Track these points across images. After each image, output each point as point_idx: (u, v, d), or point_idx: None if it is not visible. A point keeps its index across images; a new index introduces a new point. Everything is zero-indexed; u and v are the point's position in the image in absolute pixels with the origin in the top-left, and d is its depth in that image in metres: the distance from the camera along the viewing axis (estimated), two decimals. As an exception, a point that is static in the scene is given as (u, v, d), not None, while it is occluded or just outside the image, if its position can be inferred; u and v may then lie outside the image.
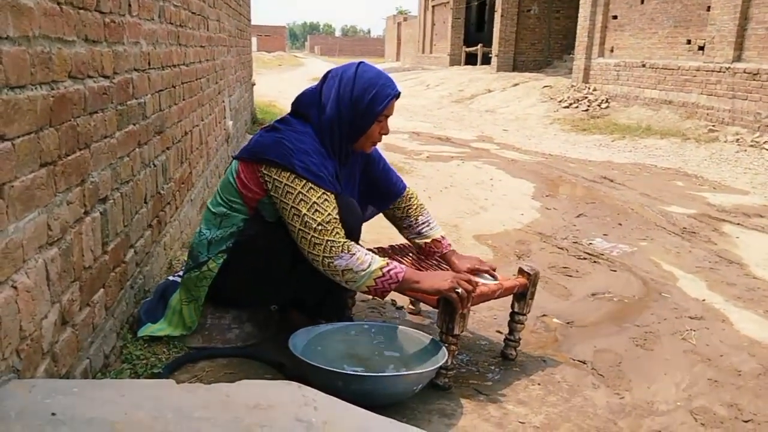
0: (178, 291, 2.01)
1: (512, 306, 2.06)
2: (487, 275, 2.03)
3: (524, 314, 2.05)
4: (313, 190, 1.76)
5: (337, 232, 1.76)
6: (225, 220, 1.91)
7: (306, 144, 1.81)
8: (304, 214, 1.74)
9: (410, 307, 2.44)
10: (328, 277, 1.78)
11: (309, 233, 1.74)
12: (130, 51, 1.93)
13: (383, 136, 1.97)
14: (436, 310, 1.86)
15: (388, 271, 1.77)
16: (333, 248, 1.74)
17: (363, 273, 1.75)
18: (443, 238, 2.17)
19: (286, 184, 1.76)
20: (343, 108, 1.86)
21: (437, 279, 1.81)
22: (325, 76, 1.94)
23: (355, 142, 1.93)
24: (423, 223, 2.17)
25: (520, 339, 2.09)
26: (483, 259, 3.15)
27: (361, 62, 1.95)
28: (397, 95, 1.93)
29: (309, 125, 1.87)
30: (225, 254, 1.90)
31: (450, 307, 1.78)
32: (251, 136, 1.98)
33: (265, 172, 1.79)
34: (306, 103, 1.91)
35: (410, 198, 2.20)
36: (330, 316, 2.07)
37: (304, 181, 1.75)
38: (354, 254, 1.75)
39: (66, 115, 1.39)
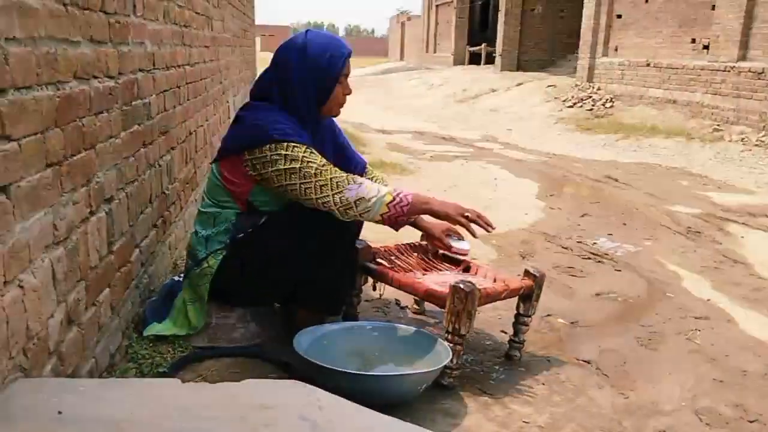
0: (182, 291, 2.01)
1: (517, 307, 2.06)
2: (461, 241, 2.09)
3: (529, 316, 2.05)
4: (297, 147, 1.80)
5: (336, 170, 1.82)
6: (218, 217, 1.93)
7: (276, 116, 1.86)
8: (299, 168, 1.78)
9: (414, 307, 2.44)
10: (345, 217, 1.82)
11: (311, 180, 1.79)
12: (135, 51, 1.94)
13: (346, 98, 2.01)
14: (442, 311, 1.86)
15: (398, 194, 1.84)
16: (339, 183, 1.79)
17: (375, 199, 1.80)
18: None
19: (271, 155, 1.80)
20: (304, 75, 1.89)
21: (447, 203, 1.90)
22: (276, 53, 1.97)
23: (323, 107, 1.96)
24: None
25: (524, 340, 2.09)
26: (487, 258, 3.16)
27: (307, 30, 2.00)
28: (350, 53, 1.98)
29: (273, 105, 1.90)
30: (223, 251, 1.91)
31: (456, 307, 1.78)
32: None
33: (248, 157, 1.83)
34: (264, 86, 1.95)
35: (372, 171, 2.26)
36: (334, 311, 2.07)
37: (286, 143, 1.80)
38: (361, 183, 1.82)
39: (71, 116, 1.39)
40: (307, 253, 1.86)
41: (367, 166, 2.27)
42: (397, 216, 1.84)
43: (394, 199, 1.82)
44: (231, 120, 2.14)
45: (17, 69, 1.13)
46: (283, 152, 1.79)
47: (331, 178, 1.79)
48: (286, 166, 1.79)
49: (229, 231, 1.92)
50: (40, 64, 1.23)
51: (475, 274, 2.12)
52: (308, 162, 1.79)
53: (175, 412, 1.08)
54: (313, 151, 1.83)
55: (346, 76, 1.97)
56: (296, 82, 1.89)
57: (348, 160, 2.17)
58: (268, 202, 1.90)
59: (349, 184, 1.80)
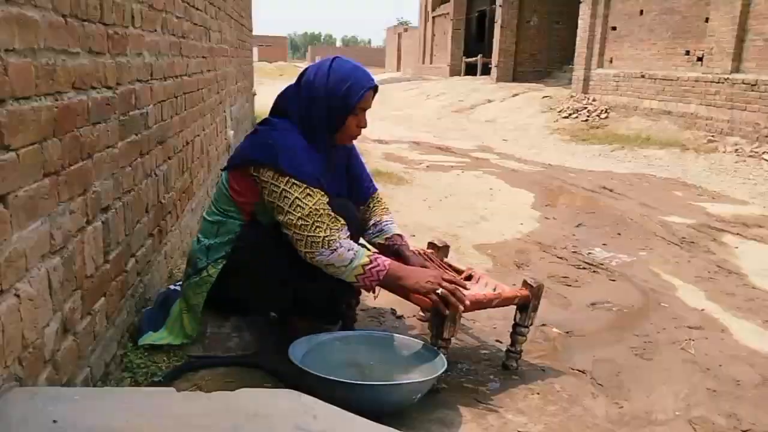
0: (178, 300, 2.02)
1: (515, 317, 2.07)
2: None
3: (526, 326, 2.06)
4: (295, 185, 1.78)
5: (318, 227, 1.76)
6: (222, 227, 1.93)
7: (290, 140, 1.84)
8: (287, 212, 1.77)
9: (420, 314, 2.45)
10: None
11: (291, 230, 1.78)
12: (133, 62, 1.96)
13: (363, 131, 1.99)
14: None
15: (370, 269, 1.79)
16: (313, 243, 1.76)
17: (344, 269, 1.78)
18: (398, 236, 2.16)
19: (271, 183, 1.79)
20: (319, 102, 1.88)
21: (421, 278, 1.82)
22: (302, 74, 1.97)
23: (334, 135, 1.94)
24: (387, 222, 2.18)
25: (521, 350, 2.10)
26: (482, 268, 3.16)
27: (336, 57, 1.98)
28: (374, 88, 1.95)
29: (291, 122, 1.90)
30: (224, 260, 1.91)
31: (438, 310, 1.80)
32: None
33: (255, 174, 1.83)
34: (286, 101, 1.95)
35: (380, 198, 2.23)
36: (332, 320, 2.07)
37: (287, 178, 1.78)
38: (335, 250, 1.77)
39: (69, 126, 1.40)
40: (307, 263, 1.86)
41: (376, 194, 2.22)
42: (368, 287, 1.82)
43: (365, 272, 1.78)
44: (228, 130, 2.15)
45: (16, 79, 1.14)
46: (281, 187, 1.78)
47: (306, 236, 1.76)
48: (277, 203, 1.79)
49: (231, 241, 1.92)
50: (39, 74, 1.24)
51: (476, 282, 2.14)
52: (296, 207, 1.76)
53: (169, 422, 1.09)
54: (311, 192, 1.78)
55: (364, 109, 1.94)
56: (314, 106, 1.89)
57: (363, 184, 2.16)
58: (269, 217, 1.88)
59: (322, 247, 1.76)
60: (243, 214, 1.91)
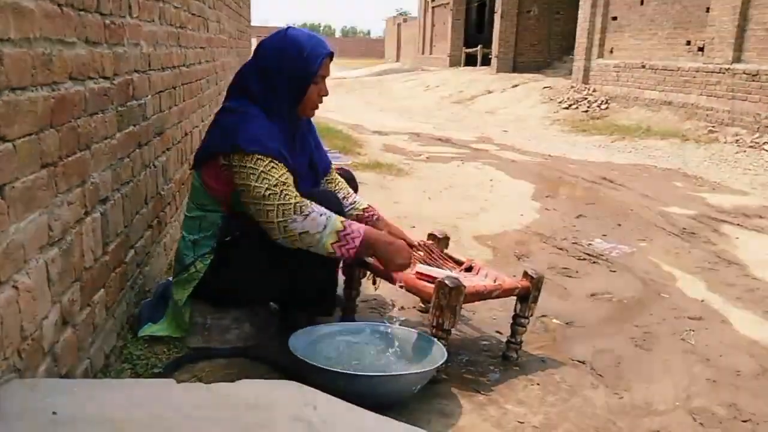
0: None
1: (515, 308, 2.07)
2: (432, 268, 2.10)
3: (526, 317, 2.06)
4: (260, 160, 1.75)
5: (287, 194, 1.73)
6: (203, 221, 1.92)
7: (249, 120, 1.82)
8: (253, 186, 1.73)
9: (420, 305, 2.45)
10: (289, 246, 1.76)
11: (260, 202, 1.73)
12: (131, 52, 1.94)
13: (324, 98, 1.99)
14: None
15: (344, 235, 1.75)
16: (285, 211, 1.72)
17: (319, 235, 1.73)
18: (369, 207, 2.21)
19: (239, 165, 1.77)
20: (278, 73, 1.87)
21: (391, 251, 1.83)
22: (257, 48, 1.95)
23: (297, 107, 1.93)
24: (351, 194, 2.21)
25: (522, 341, 2.10)
26: (483, 259, 3.16)
27: (289, 27, 1.97)
28: (330, 55, 1.94)
29: (250, 101, 1.87)
30: (211, 254, 1.91)
31: (440, 302, 1.82)
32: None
33: (223, 162, 1.81)
34: (244, 78, 1.93)
35: (335, 179, 2.23)
36: (326, 312, 2.07)
37: (251, 155, 1.75)
38: (307, 215, 1.72)
39: (67, 116, 1.39)
40: (296, 255, 1.85)
41: (331, 167, 2.24)
42: (348, 254, 1.77)
43: (339, 239, 1.74)
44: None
45: (12, 70, 1.13)
46: (247, 164, 1.75)
47: (278, 204, 1.72)
48: (243, 181, 1.75)
49: (216, 235, 1.91)
50: (35, 64, 1.23)
51: (476, 273, 2.14)
52: (263, 179, 1.73)
53: (169, 413, 1.08)
54: (276, 165, 1.76)
55: (324, 77, 1.93)
56: (273, 79, 1.87)
57: (318, 163, 2.15)
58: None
59: (294, 213, 1.71)
60: (221, 206, 1.90)
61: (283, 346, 1.78)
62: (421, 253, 2.21)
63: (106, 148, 1.67)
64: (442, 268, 2.14)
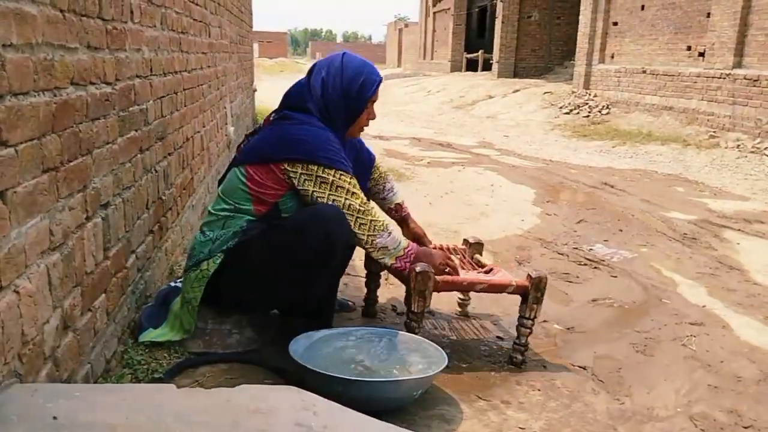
0: (179, 297, 2.01)
1: (520, 310, 2.09)
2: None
3: (529, 318, 2.06)
4: (344, 175, 1.88)
5: (377, 212, 1.94)
6: (228, 221, 1.92)
7: (322, 134, 1.91)
8: (345, 199, 1.87)
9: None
10: (365, 251, 1.97)
11: (354, 215, 1.89)
12: (132, 58, 1.95)
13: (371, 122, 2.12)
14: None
15: (408, 251, 1.99)
16: (376, 227, 1.91)
17: (393, 251, 1.95)
18: (404, 202, 2.41)
19: (317, 176, 1.86)
20: (335, 97, 1.96)
21: (430, 258, 2.01)
22: (311, 70, 2.03)
23: (348, 128, 2.03)
24: (389, 190, 2.38)
25: (526, 344, 2.10)
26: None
27: (344, 52, 2.05)
28: (381, 80, 2.06)
29: (313, 116, 1.95)
30: (223, 254, 1.90)
31: (409, 285, 1.95)
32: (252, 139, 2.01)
33: (289, 168, 1.87)
34: (298, 97, 1.99)
35: (378, 166, 2.38)
36: (324, 325, 2.05)
37: (334, 170, 1.87)
38: (391, 233, 1.96)
39: (68, 122, 1.40)
40: (304, 266, 1.85)
41: (376, 163, 2.38)
42: (403, 266, 1.96)
43: (404, 255, 1.97)
44: (229, 126, 2.14)
45: (14, 75, 1.13)
46: (331, 178, 1.86)
47: (371, 220, 1.91)
48: (330, 192, 1.87)
49: (236, 235, 1.91)
50: (37, 70, 1.23)
51: (493, 275, 2.19)
52: (353, 194, 1.88)
53: (170, 418, 1.08)
54: (356, 182, 1.91)
55: (374, 101, 2.04)
56: (331, 103, 1.95)
57: (366, 160, 2.29)
58: (295, 209, 1.92)
59: (383, 231, 1.92)
60: (259, 206, 1.90)
61: (284, 352, 1.78)
62: (459, 256, 2.34)
63: (107, 153, 1.68)
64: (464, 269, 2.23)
